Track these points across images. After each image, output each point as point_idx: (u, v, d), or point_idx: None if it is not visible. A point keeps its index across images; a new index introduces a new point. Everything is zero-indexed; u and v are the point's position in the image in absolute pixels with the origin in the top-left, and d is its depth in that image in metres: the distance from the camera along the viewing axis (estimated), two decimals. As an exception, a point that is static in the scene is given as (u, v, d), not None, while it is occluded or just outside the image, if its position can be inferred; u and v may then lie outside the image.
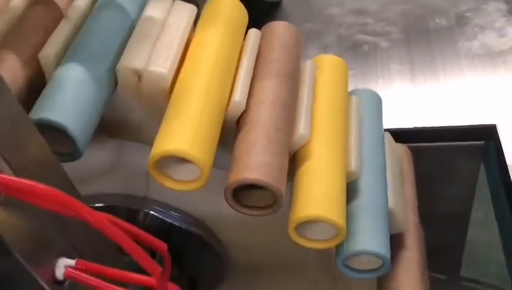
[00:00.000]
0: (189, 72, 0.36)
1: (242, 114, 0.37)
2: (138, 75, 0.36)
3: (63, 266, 0.31)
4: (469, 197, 0.64)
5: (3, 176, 0.26)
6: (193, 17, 0.40)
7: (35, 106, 0.33)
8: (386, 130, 0.46)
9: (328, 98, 0.40)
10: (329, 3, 0.74)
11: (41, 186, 0.27)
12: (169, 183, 0.33)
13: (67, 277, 0.31)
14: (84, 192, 0.33)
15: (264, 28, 0.43)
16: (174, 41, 0.37)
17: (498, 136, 0.57)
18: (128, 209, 0.45)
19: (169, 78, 0.36)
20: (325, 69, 0.42)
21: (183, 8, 0.40)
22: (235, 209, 0.34)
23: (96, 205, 0.45)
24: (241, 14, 0.42)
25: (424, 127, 0.59)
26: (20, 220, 0.30)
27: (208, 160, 0.33)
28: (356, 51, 0.67)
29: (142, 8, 0.40)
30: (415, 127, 0.59)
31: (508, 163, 0.54)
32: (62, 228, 0.31)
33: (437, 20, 0.70)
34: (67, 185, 0.33)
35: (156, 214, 0.45)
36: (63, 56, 0.36)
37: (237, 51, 0.40)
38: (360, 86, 0.60)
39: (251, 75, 0.38)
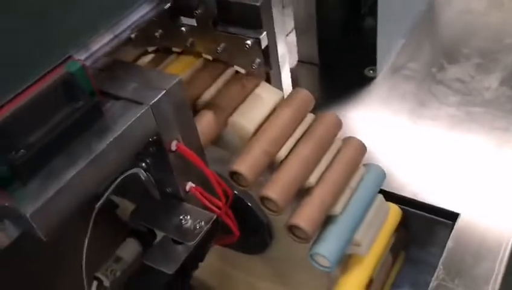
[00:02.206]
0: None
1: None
2: (358, 245, 0.65)
3: (189, 185, 0.57)
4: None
5: (182, 145, 0.53)
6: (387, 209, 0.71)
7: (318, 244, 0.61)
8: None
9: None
10: (404, 90, 0.96)
11: (196, 156, 0.54)
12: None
13: (190, 190, 0.57)
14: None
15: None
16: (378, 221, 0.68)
17: (455, 223, 0.72)
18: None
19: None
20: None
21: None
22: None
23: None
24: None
25: (414, 199, 0.78)
26: (181, 162, 0.55)
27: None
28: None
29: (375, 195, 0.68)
30: (410, 197, 0.78)
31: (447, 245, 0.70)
32: (193, 171, 0.57)
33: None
34: (204, 156, 0.59)
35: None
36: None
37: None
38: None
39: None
